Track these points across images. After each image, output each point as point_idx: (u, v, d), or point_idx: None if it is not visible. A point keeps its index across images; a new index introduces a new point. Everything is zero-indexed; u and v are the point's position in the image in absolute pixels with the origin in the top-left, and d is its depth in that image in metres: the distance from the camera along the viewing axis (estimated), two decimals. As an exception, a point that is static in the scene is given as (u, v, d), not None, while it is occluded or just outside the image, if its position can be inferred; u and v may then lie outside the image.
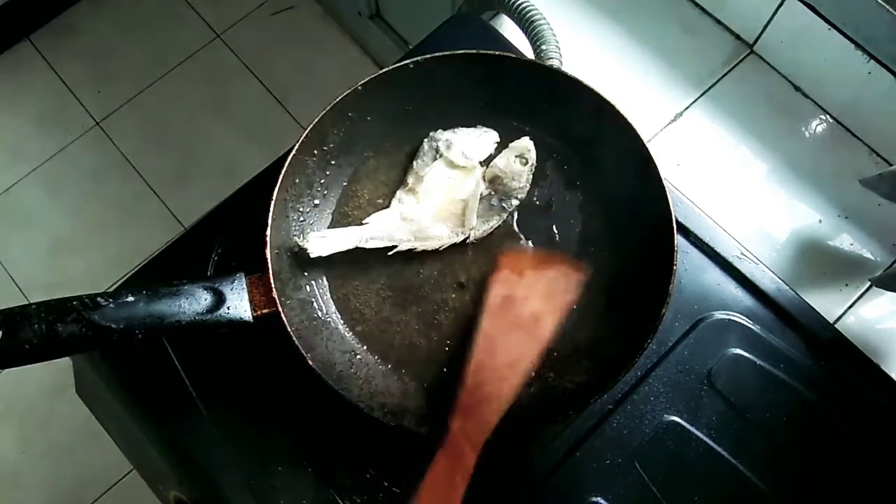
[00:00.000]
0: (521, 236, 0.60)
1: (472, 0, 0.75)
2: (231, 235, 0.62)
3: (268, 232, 0.54)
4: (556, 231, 0.61)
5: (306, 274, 0.58)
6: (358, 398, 0.53)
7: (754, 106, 0.72)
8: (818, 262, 0.66)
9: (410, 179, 0.60)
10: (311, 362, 0.52)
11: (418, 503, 0.43)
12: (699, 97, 0.72)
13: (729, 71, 0.73)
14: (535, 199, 0.61)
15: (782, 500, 0.56)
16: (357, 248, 0.58)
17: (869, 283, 0.65)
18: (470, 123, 0.63)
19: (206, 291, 0.51)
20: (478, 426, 0.46)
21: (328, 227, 0.61)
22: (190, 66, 1.61)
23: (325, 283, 0.59)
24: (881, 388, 0.59)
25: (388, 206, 0.61)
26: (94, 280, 1.45)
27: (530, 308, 0.52)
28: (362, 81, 0.58)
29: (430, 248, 0.58)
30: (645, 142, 0.56)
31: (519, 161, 0.59)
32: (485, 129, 0.62)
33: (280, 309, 0.52)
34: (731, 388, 0.58)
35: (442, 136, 0.61)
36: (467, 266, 0.59)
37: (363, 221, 0.59)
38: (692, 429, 0.57)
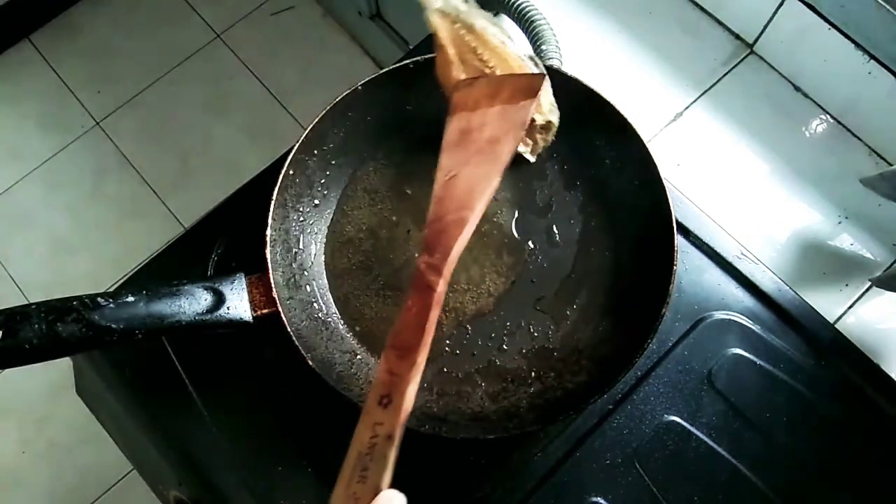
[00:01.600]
0: (519, 238, 0.60)
1: (471, 0, 0.75)
2: (231, 235, 0.62)
3: (268, 232, 0.54)
4: (556, 231, 0.61)
5: (306, 274, 0.58)
6: (358, 398, 0.53)
7: (754, 106, 0.72)
8: (818, 262, 0.66)
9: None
10: (311, 362, 0.52)
11: (392, 334, 0.43)
12: (699, 97, 0.72)
13: (729, 71, 0.73)
14: (535, 199, 0.61)
15: (782, 500, 0.56)
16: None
17: (869, 283, 0.65)
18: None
19: (206, 291, 0.51)
20: (440, 255, 0.46)
21: (328, 228, 0.61)
22: (190, 66, 1.61)
23: (325, 283, 0.59)
24: (881, 389, 0.59)
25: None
26: (94, 280, 1.45)
27: (487, 134, 0.51)
28: (362, 81, 0.58)
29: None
30: (645, 142, 0.56)
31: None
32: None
33: (280, 309, 0.52)
34: (731, 388, 0.58)
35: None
36: (468, 267, 0.59)
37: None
38: (692, 429, 0.57)
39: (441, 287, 0.45)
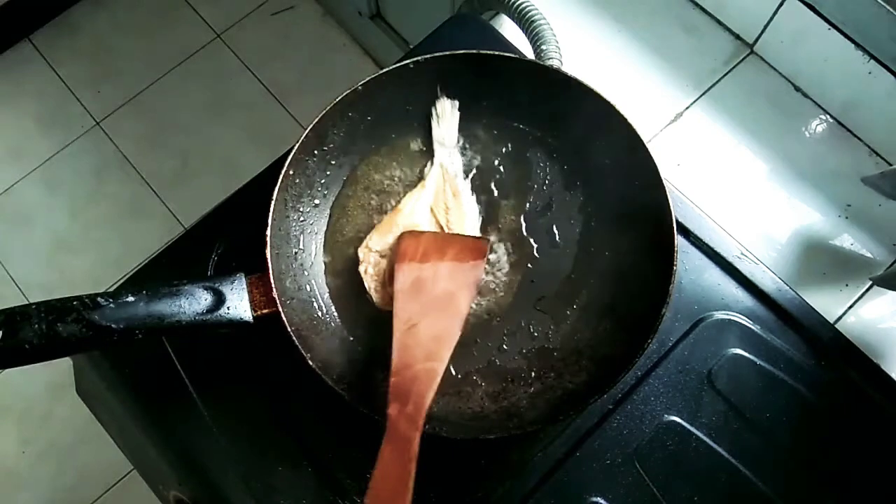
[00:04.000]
0: (519, 238, 0.60)
1: (472, 0, 0.75)
2: (231, 235, 0.62)
3: (268, 232, 0.54)
4: (556, 231, 0.61)
5: (306, 274, 0.58)
6: (358, 398, 0.53)
7: (754, 106, 0.72)
8: (818, 261, 0.66)
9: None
10: (311, 362, 0.52)
11: (370, 494, 0.43)
12: (699, 97, 0.72)
13: (729, 71, 0.73)
14: (535, 199, 0.61)
15: (782, 500, 0.56)
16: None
17: (869, 283, 0.65)
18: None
19: (206, 291, 0.51)
20: (413, 406, 0.46)
21: (328, 228, 0.61)
22: (190, 66, 1.61)
23: (325, 283, 0.59)
24: (881, 388, 0.59)
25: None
26: (94, 280, 1.45)
27: (441, 287, 0.52)
28: (362, 81, 0.58)
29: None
30: (645, 142, 0.56)
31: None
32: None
33: (280, 309, 0.52)
34: (731, 388, 0.58)
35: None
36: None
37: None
38: (692, 429, 0.57)
39: (417, 440, 0.45)
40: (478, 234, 0.60)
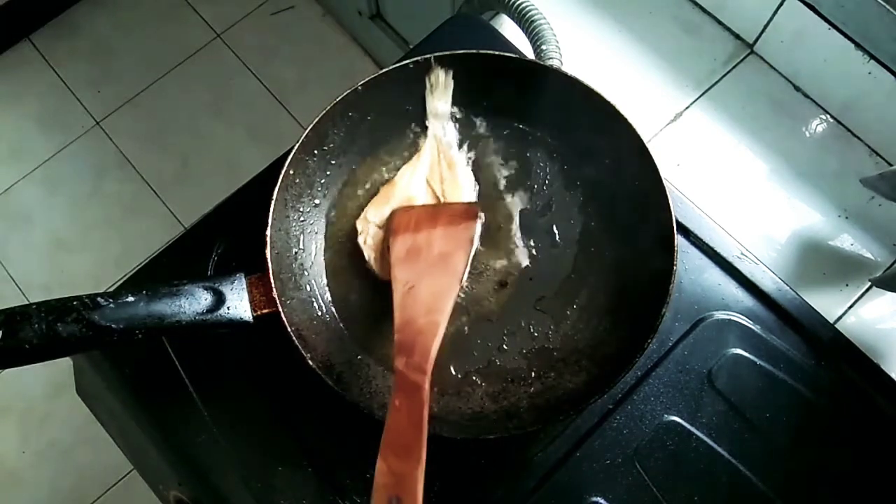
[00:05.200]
0: (521, 243, 0.60)
1: (472, 0, 0.75)
2: (231, 235, 0.62)
3: (268, 232, 0.54)
4: (556, 231, 0.61)
5: (306, 274, 0.58)
6: (358, 398, 0.53)
7: (754, 106, 0.72)
8: (818, 262, 0.66)
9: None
10: (311, 362, 0.52)
11: (385, 443, 0.44)
12: (699, 97, 0.72)
13: (729, 71, 0.73)
14: (535, 199, 0.61)
15: (782, 501, 0.56)
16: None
17: (869, 283, 0.65)
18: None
19: (206, 291, 0.51)
20: (419, 356, 0.47)
21: (328, 228, 0.61)
22: (190, 66, 1.61)
23: (325, 283, 0.59)
24: (881, 389, 0.59)
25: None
26: (94, 280, 1.45)
27: (436, 250, 0.54)
28: (362, 81, 0.58)
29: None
30: (645, 142, 0.56)
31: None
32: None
33: (280, 309, 0.52)
34: (731, 388, 0.58)
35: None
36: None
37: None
38: (692, 429, 0.57)
39: (427, 385, 0.46)
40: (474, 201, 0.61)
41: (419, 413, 0.45)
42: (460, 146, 0.62)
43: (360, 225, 0.60)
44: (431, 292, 0.52)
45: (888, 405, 0.58)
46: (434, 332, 0.49)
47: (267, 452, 0.57)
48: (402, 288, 0.52)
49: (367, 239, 0.59)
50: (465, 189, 0.61)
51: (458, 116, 0.63)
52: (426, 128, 0.62)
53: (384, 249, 0.58)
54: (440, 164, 0.61)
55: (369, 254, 0.59)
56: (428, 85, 0.61)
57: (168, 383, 0.59)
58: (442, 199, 0.60)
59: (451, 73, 0.61)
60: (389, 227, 0.58)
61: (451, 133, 0.62)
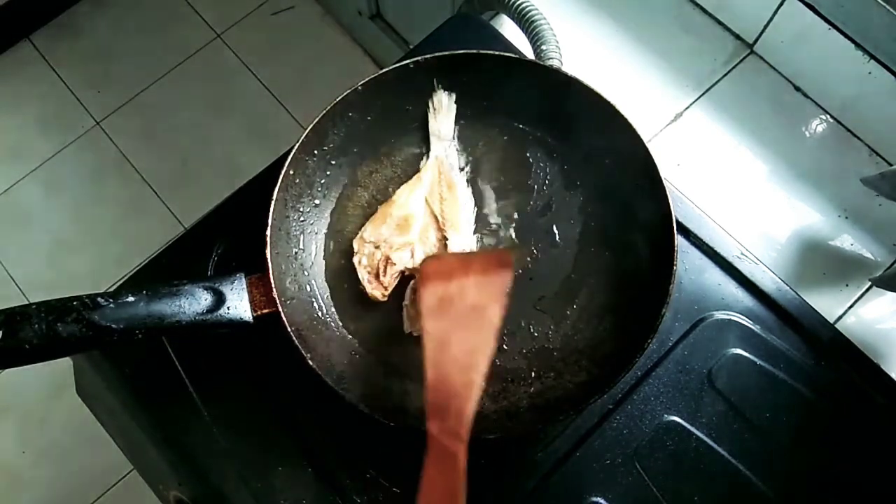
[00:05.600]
0: (531, 241, 0.60)
1: (472, 0, 0.75)
2: (231, 235, 0.62)
3: (268, 232, 0.54)
4: (556, 231, 0.61)
5: (306, 274, 0.58)
6: (358, 398, 0.53)
7: (754, 106, 0.72)
8: (818, 262, 0.66)
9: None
10: (311, 362, 0.52)
11: None
12: (699, 97, 0.72)
13: (729, 71, 0.73)
14: (535, 199, 0.61)
15: (782, 501, 0.56)
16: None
17: (869, 283, 0.65)
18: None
19: (206, 291, 0.51)
20: (455, 420, 0.45)
21: (328, 228, 0.61)
22: (190, 66, 1.61)
23: (325, 283, 0.59)
24: (881, 389, 0.59)
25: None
26: (94, 280, 1.45)
27: (469, 301, 0.51)
28: (362, 81, 0.58)
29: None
30: (645, 142, 0.56)
31: None
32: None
33: (280, 309, 0.52)
34: (731, 388, 0.58)
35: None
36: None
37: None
38: (692, 429, 0.57)
39: (464, 454, 0.43)
40: (472, 225, 0.61)
41: (457, 485, 0.42)
42: (462, 168, 0.62)
43: (356, 245, 0.59)
44: (466, 349, 0.48)
45: (888, 405, 0.58)
46: (470, 392, 0.45)
47: (267, 452, 0.57)
48: (433, 344, 0.48)
49: (363, 259, 0.58)
50: (464, 211, 0.60)
51: (459, 123, 0.63)
52: (428, 147, 0.62)
53: (377, 271, 0.57)
54: (440, 184, 0.61)
55: (363, 274, 0.58)
56: (431, 107, 0.61)
57: (168, 383, 0.59)
58: (440, 219, 0.60)
59: (453, 97, 0.61)
60: (419, 275, 0.55)
61: (452, 154, 0.62)
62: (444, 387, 0.46)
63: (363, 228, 0.60)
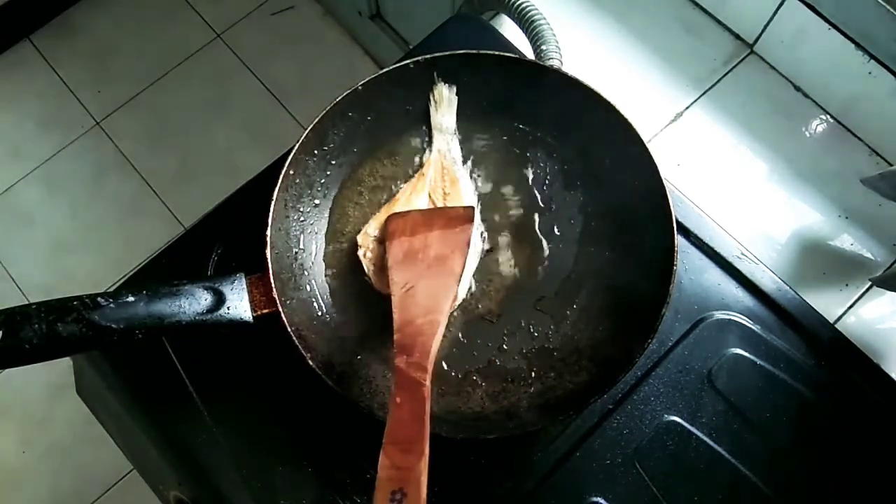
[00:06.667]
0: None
1: (472, 0, 0.75)
2: (231, 235, 0.62)
3: (268, 232, 0.54)
4: (556, 231, 0.61)
5: (306, 274, 0.58)
6: (358, 398, 0.53)
7: (754, 106, 0.72)
8: (818, 262, 0.66)
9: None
10: (311, 362, 0.52)
11: (388, 439, 0.44)
12: (699, 97, 0.72)
13: (729, 71, 0.73)
14: (535, 199, 0.61)
15: (782, 501, 0.56)
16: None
17: (869, 283, 0.65)
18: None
19: (206, 291, 0.51)
20: (419, 354, 0.48)
21: (328, 228, 0.61)
22: (190, 66, 1.61)
23: (325, 283, 0.59)
24: (881, 389, 0.59)
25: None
26: (94, 280, 1.45)
27: (433, 252, 0.55)
28: (362, 81, 0.58)
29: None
30: (645, 142, 0.56)
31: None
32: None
33: (280, 309, 0.52)
34: (731, 388, 0.58)
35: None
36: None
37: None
38: (692, 429, 0.57)
39: (428, 381, 0.46)
40: (477, 220, 0.61)
41: (421, 408, 0.45)
42: (464, 162, 0.62)
43: (360, 239, 0.60)
44: (429, 293, 0.52)
45: (888, 405, 0.58)
46: (434, 331, 0.49)
47: (267, 452, 0.57)
48: (399, 289, 0.53)
49: (368, 253, 0.59)
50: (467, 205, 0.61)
51: (458, 118, 0.63)
52: (430, 141, 0.62)
53: (382, 261, 0.58)
54: (443, 179, 0.61)
55: (369, 267, 0.59)
56: (432, 101, 0.61)
57: (168, 383, 0.59)
58: None
59: (454, 89, 0.61)
60: (385, 232, 0.58)
61: (455, 149, 0.62)
62: (410, 327, 0.50)
63: (367, 224, 0.60)
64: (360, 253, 0.59)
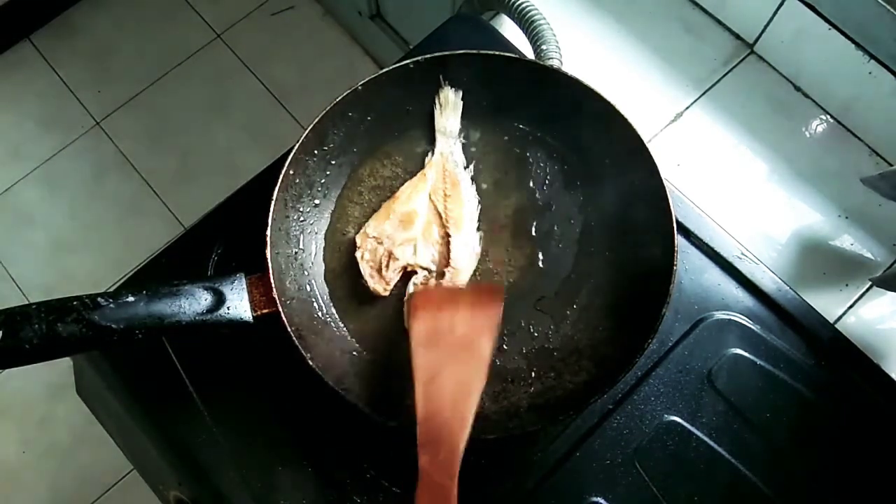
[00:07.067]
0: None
1: (472, 0, 0.75)
2: (231, 235, 0.62)
3: (268, 232, 0.54)
4: (556, 231, 0.61)
5: (306, 274, 0.58)
6: (358, 398, 0.53)
7: (754, 106, 0.72)
8: (818, 262, 0.66)
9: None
10: (311, 362, 0.52)
11: None
12: (699, 97, 0.72)
13: (729, 71, 0.73)
14: (535, 199, 0.61)
15: (782, 500, 0.56)
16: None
17: (869, 283, 0.65)
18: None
19: (206, 291, 0.51)
20: (446, 454, 0.45)
21: (328, 228, 0.61)
22: (190, 66, 1.61)
23: (325, 283, 0.59)
24: (881, 389, 0.59)
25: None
26: (94, 280, 1.45)
27: (459, 333, 0.51)
28: (362, 81, 0.58)
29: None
30: (645, 142, 0.56)
31: None
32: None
33: (280, 309, 0.52)
34: (731, 388, 0.58)
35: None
36: (467, 266, 0.59)
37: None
38: (692, 429, 0.57)
39: (455, 489, 0.43)
40: (475, 223, 0.61)
41: None
42: (466, 166, 0.62)
43: (359, 240, 0.59)
44: (457, 382, 0.48)
45: (888, 405, 0.58)
46: (462, 426, 0.46)
47: (267, 452, 0.57)
48: (424, 376, 0.49)
49: (365, 254, 0.59)
50: (467, 208, 0.60)
51: (461, 125, 0.63)
52: (433, 144, 0.62)
53: (380, 264, 0.58)
54: (445, 181, 0.61)
55: (366, 269, 0.58)
56: (437, 104, 0.61)
57: (168, 383, 0.59)
58: (444, 216, 0.60)
59: (460, 94, 0.61)
60: (408, 307, 0.56)
61: (458, 152, 0.62)
62: (435, 420, 0.46)
63: (366, 224, 0.60)
64: (358, 254, 0.59)
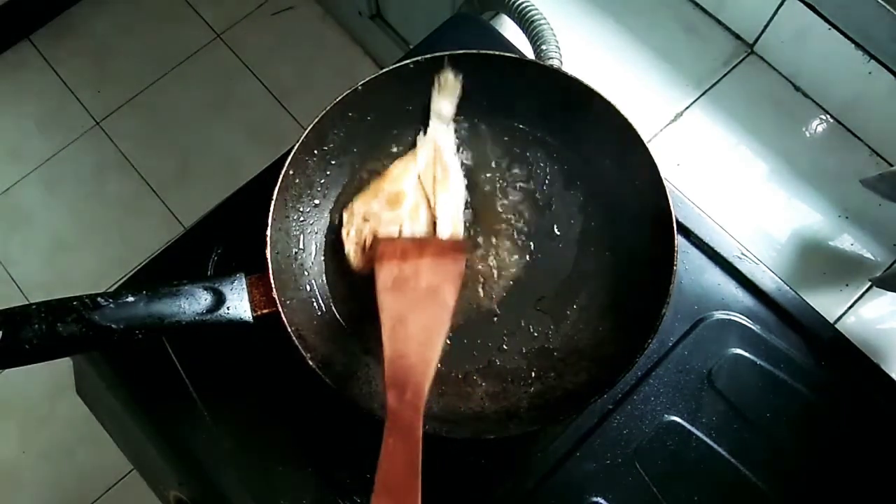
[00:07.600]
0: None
1: (472, 0, 0.75)
2: (231, 235, 0.62)
3: (268, 232, 0.54)
4: (556, 231, 0.61)
5: (306, 274, 0.58)
6: (358, 398, 0.53)
7: (754, 106, 0.72)
8: (818, 262, 0.66)
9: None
10: (311, 362, 0.52)
11: (379, 484, 0.43)
12: (699, 97, 0.72)
13: (729, 71, 0.73)
14: (535, 199, 0.61)
15: (782, 500, 0.56)
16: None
17: (869, 283, 0.65)
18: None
19: (206, 291, 0.51)
20: (412, 393, 0.46)
21: (328, 228, 0.61)
22: (190, 66, 1.61)
23: (325, 283, 0.59)
24: (881, 389, 0.59)
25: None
26: (94, 280, 1.45)
27: (424, 282, 0.53)
28: (362, 81, 0.58)
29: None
30: (645, 142, 0.56)
31: None
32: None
33: (280, 309, 0.52)
34: (731, 388, 0.58)
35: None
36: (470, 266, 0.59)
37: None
38: (692, 429, 0.57)
39: (420, 424, 0.45)
40: (461, 209, 0.61)
41: (414, 454, 0.44)
42: (457, 150, 0.62)
43: (345, 216, 0.59)
44: (422, 326, 0.50)
45: (888, 405, 0.58)
46: (427, 368, 0.48)
47: (267, 452, 0.57)
48: (390, 321, 0.51)
49: (351, 231, 0.59)
50: (454, 193, 0.60)
51: (458, 118, 0.62)
52: (426, 125, 0.62)
53: (366, 245, 0.58)
54: (435, 164, 0.61)
55: (349, 246, 0.58)
56: (436, 84, 0.61)
57: (168, 383, 0.59)
58: (431, 199, 0.60)
59: (460, 77, 0.61)
60: (374, 255, 0.56)
61: (450, 136, 0.62)
62: (402, 361, 0.48)
63: (353, 201, 0.60)
64: (344, 232, 0.58)
